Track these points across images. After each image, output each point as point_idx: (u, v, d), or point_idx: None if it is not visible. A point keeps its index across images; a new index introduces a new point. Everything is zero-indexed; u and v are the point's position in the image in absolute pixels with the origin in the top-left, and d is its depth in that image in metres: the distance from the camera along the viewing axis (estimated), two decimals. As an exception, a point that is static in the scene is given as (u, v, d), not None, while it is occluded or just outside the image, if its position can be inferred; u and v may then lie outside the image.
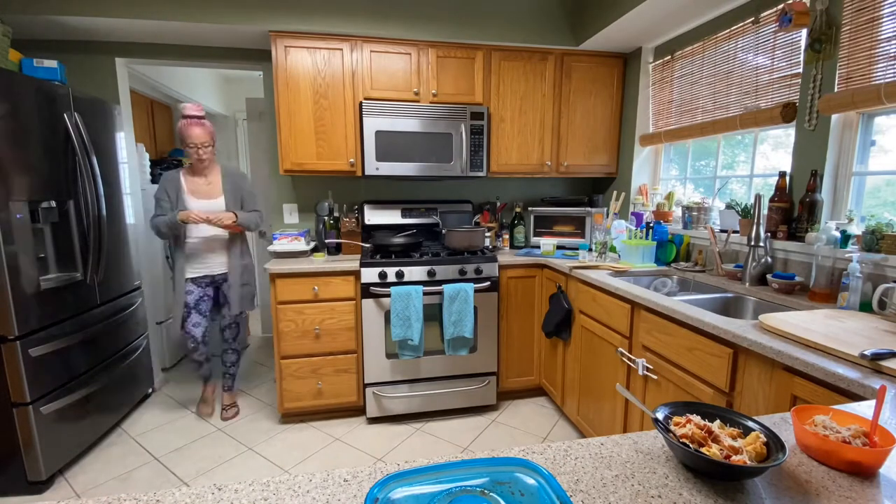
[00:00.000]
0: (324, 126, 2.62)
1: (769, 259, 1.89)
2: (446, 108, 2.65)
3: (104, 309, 2.43)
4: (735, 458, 0.65)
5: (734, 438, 0.70)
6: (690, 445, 0.67)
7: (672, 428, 0.72)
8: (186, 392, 2.99)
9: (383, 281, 2.46)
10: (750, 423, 0.72)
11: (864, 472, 0.66)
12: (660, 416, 0.74)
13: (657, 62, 2.77)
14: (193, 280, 2.50)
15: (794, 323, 1.31)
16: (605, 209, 2.77)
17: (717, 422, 0.73)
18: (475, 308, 2.57)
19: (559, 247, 2.85)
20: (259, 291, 4.77)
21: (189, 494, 0.61)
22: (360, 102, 2.59)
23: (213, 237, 2.49)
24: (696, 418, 0.73)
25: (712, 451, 0.66)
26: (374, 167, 2.60)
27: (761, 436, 0.69)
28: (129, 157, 2.77)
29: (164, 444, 2.40)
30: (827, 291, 1.63)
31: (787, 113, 1.89)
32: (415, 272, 2.49)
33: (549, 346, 2.71)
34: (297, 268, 2.40)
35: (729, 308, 1.87)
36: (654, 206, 2.75)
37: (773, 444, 0.67)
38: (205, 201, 2.46)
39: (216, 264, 2.53)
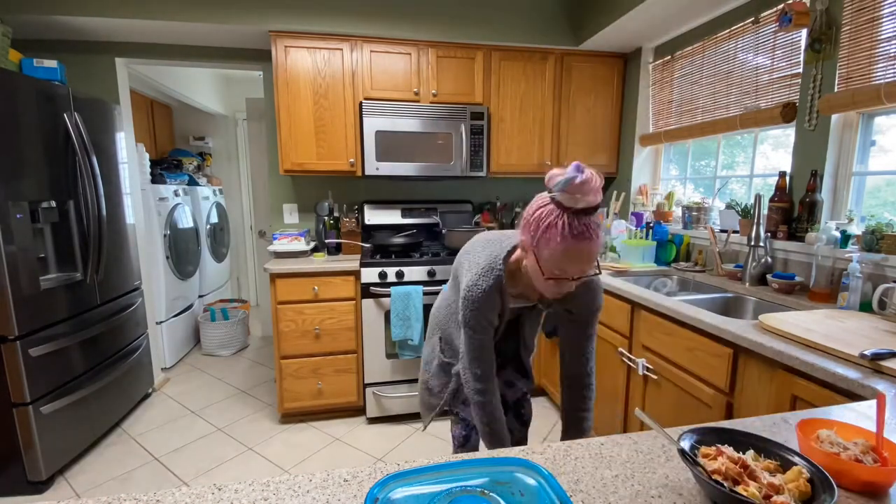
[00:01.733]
0: (324, 126, 2.62)
1: (769, 259, 1.89)
2: (446, 108, 2.65)
3: (104, 309, 2.43)
4: (776, 500, 0.57)
5: (772, 473, 0.62)
6: (725, 484, 0.59)
7: (701, 461, 0.64)
8: (186, 392, 2.99)
9: (383, 281, 2.45)
10: (790, 456, 0.65)
11: (877, 492, 0.63)
12: (685, 445, 0.66)
13: (657, 62, 2.77)
14: None
15: (794, 323, 1.31)
16: (606, 209, 2.77)
17: (751, 452, 0.66)
18: (475, 308, 2.57)
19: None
20: (259, 291, 4.79)
21: (189, 494, 0.61)
22: (360, 102, 2.59)
23: None
24: (729, 450, 0.64)
25: (750, 490, 0.58)
26: (374, 167, 2.60)
27: (804, 471, 0.61)
28: (129, 157, 2.77)
29: (164, 444, 2.40)
30: (827, 291, 1.63)
31: (787, 113, 1.89)
32: (415, 272, 2.49)
33: (550, 347, 2.70)
34: (297, 268, 2.40)
35: (729, 308, 1.87)
36: (654, 206, 2.74)
37: (819, 481, 0.59)
38: None
39: None
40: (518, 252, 1.10)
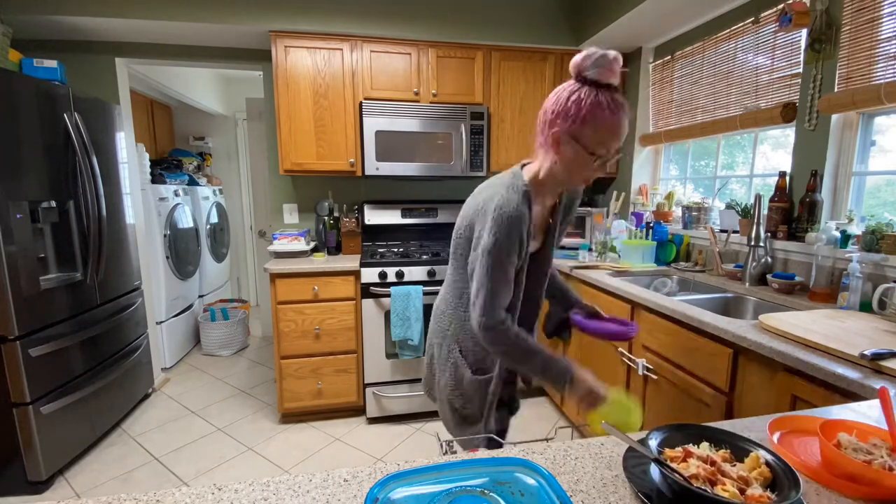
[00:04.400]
0: (324, 126, 2.62)
1: (769, 259, 1.89)
2: (446, 108, 2.65)
3: (104, 309, 2.43)
4: (751, 493, 0.56)
5: (731, 464, 0.62)
6: (708, 490, 0.57)
7: (676, 466, 0.62)
8: (186, 392, 2.99)
9: (383, 281, 2.45)
10: (742, 444, 0.65)
11: None
12: (652, 446, 0.65)
13: (657, 62, 2.76)
14: None
15: (795, 323, 1.31)
16: (606, 209, 2.77)
17: (705, 444, 0.66)
18: (475, 308, 2.57)
19: (559, 247, 2.84)
20: (259, 292, 4.79)
21: (189, 494, 0.61)
22: (360, 102, 2.59)
23: None
24: (699, 450, 0.64)
25: (730, 490, 0.57)
26: (374, 167, 2.60)
27: (761, 457, 0.61)
28: (129, 157, 2.77)
29: (164, 444, 2.40)
30: (827, 291, 1.63)
31: (787, 113, 1.89)
32: (415, 272, 2.49)
33: (550, 347, 2.70)
34: (297, 268, 2.40)
35: (729, 308, 1.87)
36: (654, 206, 2.74)
37: (777, 466, 0.60)
38: None
39: None
40: (535, 164, 1.12)
